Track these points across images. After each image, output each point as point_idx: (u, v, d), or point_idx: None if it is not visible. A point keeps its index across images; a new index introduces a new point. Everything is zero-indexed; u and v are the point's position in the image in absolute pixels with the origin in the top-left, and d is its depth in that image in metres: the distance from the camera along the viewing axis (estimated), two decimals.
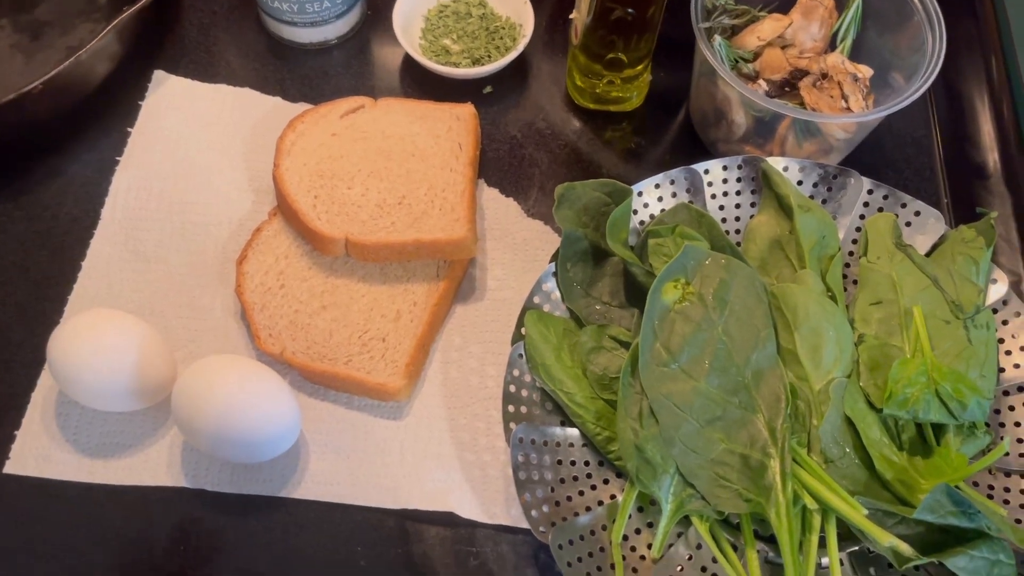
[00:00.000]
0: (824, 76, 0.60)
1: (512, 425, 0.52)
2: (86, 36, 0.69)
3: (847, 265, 0.59)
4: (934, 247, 0.58)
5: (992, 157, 0.67)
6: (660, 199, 0.59)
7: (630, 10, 0.59)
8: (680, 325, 0.51)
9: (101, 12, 0.70)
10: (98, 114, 0.66)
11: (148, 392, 0.54)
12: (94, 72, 0.64)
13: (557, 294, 0.56)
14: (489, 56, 0.68)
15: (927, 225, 0.58)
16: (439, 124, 0.64)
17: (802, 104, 0.60)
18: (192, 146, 0.65)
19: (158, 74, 0.68)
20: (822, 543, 0.49)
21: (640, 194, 0.58)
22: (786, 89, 0.61)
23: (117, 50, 0.64)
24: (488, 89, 0.69)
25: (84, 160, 0.65)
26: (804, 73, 0.60)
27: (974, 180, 0.66)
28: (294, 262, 0.59)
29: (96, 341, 0.52)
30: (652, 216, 0.59)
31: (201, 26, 0.71)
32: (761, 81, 0.61)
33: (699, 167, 0.59)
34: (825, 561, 0.49)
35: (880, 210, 0.59)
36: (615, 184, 0.57)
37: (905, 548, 0.46)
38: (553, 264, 0.56)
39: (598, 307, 0.56)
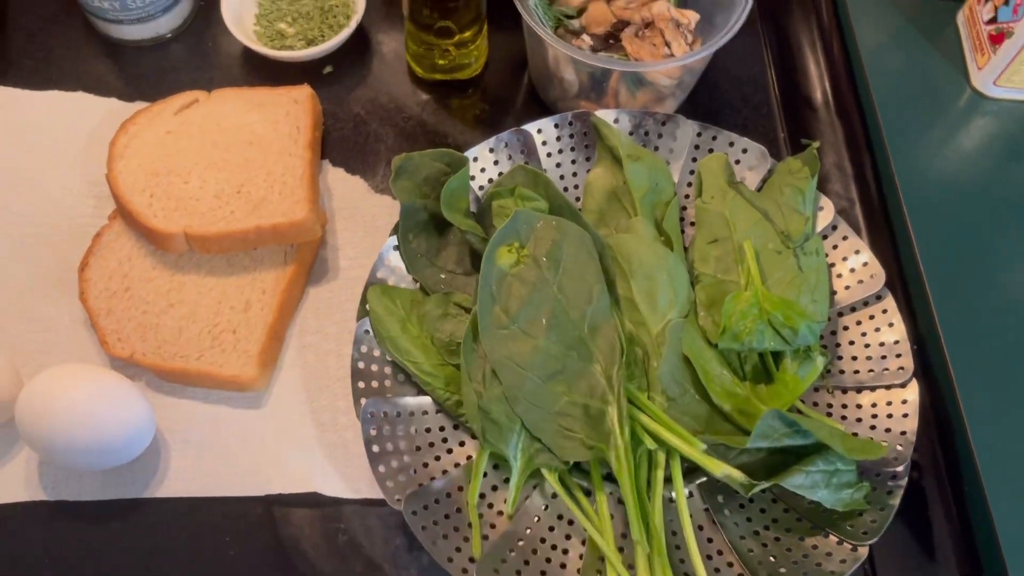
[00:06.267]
0: (647, 25, 0.61)
1: (362, 401, 0.53)
2: None
3: (684, 208, 0.60)
4: (764, 181, 0.60)
5: (823, 88, 0.69)
6: (496, 163, 0.59)
7: None
8: (517, 287, 0.52)
9: None
10: None
11: None
12: None
13: (402, 266, 0.57)
14: (323, 36, 0.67)
15: (755, 161, 0.60)
16: (277, 109, 0.63)
17: (627, 55, 0.61)
18: (24, 157, 0.64)
19: None
20: (669, 479, 0.51)
21: (476, 160, 0.59)
22: (611, 42, 0.61)
23: None
24: (328, 69, 0.69)
25: None
26: (627, 24, 0.61)
27: (808, 112, 0.68)
28: (138, 264, 0.59)
29: None
30: (491, 180, 0.59)
31: (28, 33, 0.69)
32: (585, 36, 0.61)
33: (530, 127, 0.59)
34: (674, 495, 0.51)
35: (711, 151, 0.60)
36: (452, 153, 0.57)
37: (737, 475, 0.48)
38: (395, 237, 0.57)
39: (443, 276, 0.57)
